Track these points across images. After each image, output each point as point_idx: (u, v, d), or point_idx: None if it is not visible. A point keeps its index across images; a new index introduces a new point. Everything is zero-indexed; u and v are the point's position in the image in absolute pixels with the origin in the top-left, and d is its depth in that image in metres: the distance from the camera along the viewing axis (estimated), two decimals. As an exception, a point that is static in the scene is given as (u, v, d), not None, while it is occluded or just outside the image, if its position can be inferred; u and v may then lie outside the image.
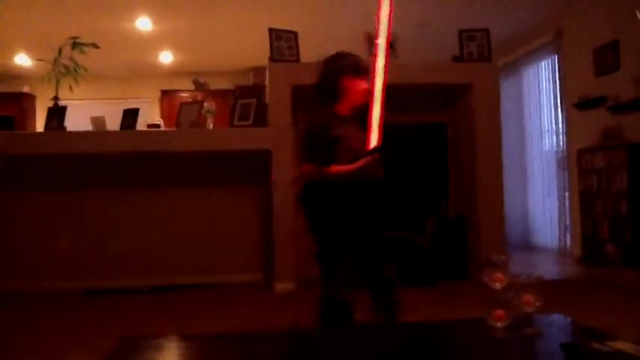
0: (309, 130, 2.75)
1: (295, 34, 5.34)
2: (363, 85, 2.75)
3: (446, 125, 5.72)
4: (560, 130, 6.88)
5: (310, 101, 2.90)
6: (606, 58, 5.96)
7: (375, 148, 2.56)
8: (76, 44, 5.50)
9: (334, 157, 2.64)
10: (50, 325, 3.95)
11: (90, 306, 4.71)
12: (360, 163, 2.55)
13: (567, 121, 6.73)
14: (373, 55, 2.69)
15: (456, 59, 5.55)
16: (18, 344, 3.48)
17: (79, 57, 5.59)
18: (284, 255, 5.05)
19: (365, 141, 2.58)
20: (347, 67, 2.79)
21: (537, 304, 1.74)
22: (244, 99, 5.44)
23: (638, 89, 5.48)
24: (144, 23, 7.02)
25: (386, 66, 2.70)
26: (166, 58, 8.64)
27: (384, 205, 2.79)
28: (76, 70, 5.58)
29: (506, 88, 7.58)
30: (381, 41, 2.75)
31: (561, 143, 6.86)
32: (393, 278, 2.79)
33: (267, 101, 5.38)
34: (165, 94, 9.43)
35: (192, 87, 9.25)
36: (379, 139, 2.58)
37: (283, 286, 4.98)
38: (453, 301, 4.47)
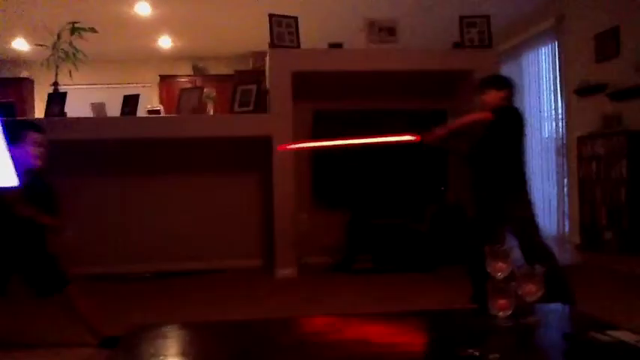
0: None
1: (296, 19, 5.31)
2: None
3: (446, 112, 5.70)
4: (560, 116, 6.87)
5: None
6: (607, 45, 5.94)
7: None
8: (74, 29, 5.47)
9: None
10: (56, 312, 3.96)
11: (94, 292, 4.71)
12: None
13: (567, 107, 6.73)
14: None
15: (457, 45, 5.55)
16: (22, 333, 3.48)
17: (77, 42, 5.56)
18: (284, 241, 5.08)
19: None
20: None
21: (539, 293, 1.76)
22: (244, 85, 5.43)
23: (638, 76, 5.47)
24: (143, 8, 6.96)
25: None
26: (165, 42, 8.58)
27: None
28: (75, 55, 5.54)
29: (506, 73, 7.55)
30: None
31: (560, 130, 6.86)
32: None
33: (267, 87, 5.38)
34: (164, 79, 9.39)
35: (192, 72, 9.21)
36: None
37: (284, 272, 5.02)
38: (451, 287, 4.49)
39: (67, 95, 5.29)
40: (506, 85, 3.69)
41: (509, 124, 3.59)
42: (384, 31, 5.55)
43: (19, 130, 3.00)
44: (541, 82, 7.27)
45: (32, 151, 2.95)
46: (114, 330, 2.89)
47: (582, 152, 6.21)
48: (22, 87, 8.76)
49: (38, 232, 3.04)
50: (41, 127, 3.13)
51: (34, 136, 2.97)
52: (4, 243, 2.95)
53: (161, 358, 1.57)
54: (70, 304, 3.09)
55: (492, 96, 3.63)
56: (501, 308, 1.76)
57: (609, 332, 1.52)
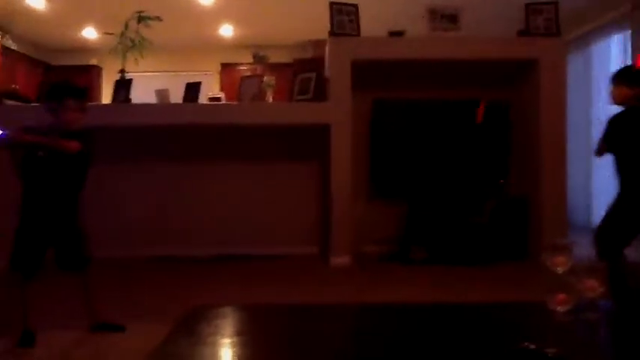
0: None
1: (356, 7, 5.28)
2: None
3: (509, 102, 5.56)
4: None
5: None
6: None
7: None
8: (141, 18, 5.64)
9: None
10: (117, 292, 4.11)
11: (156, 273, 4.89)
12: None
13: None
14: None
15: (522, 33, 5.37)
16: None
17: (143, 30, 5.73)
18: (340, 229, 5.10)
19: None
20: None
21: (601, 289, 1.70)
22: (304, 73, 5.45)
23: None
24: (206, -4, 7.10)
25: None
26: (227, 31, 8.73)
27: None
28: (141, 44, 5.72)
29: (574, 63, 7.29)
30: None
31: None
32: None
33: (326, 75, 5.38)
34: (225, 67, 9.56)
35: (252, 60, 9.33)
36: None
37: (339, 260, 5.04)
38: (509, 282, 4.41)
39: (133, 82, 5.46)
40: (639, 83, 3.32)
41: (621, 128, 3.33)
42: (446, 18, 5.45)
43: (59, 93, 3.09)
44: (611, 72, 6.96)
45: (68, 116, 3.06)
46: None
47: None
48: (91, 74, 9.12)
49: (72, 207, 3.20)
50: (81, 91, 3.21)
51: (70, 103, 3.06)
52: (41, 216, 3.10)
53: (219, 337, 1.61)
54: (88, 284, 3.21)
55: (621, 91, 3.36)
56: (561, 303, 1.72)
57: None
